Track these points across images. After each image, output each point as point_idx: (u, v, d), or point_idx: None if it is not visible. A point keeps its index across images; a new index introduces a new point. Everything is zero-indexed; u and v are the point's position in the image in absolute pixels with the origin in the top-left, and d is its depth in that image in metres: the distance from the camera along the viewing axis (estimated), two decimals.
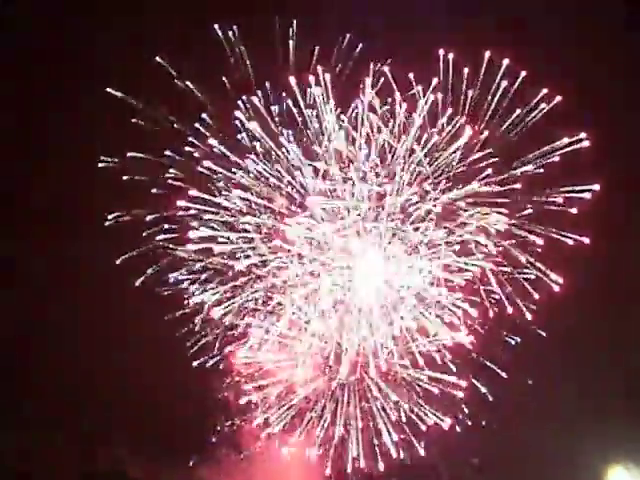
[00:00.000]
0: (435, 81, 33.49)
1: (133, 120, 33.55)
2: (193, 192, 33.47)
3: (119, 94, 33.53)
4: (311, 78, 33.21)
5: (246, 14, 34.01)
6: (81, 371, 34.07)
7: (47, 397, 34.26)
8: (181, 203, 33.39)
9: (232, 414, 35.20)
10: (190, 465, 35.24)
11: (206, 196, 33.92)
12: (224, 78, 33.90)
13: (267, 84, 34.05)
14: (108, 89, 33.57)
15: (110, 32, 34.91)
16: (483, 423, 34.81)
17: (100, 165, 33.92)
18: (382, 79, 33.63)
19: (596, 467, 34.77)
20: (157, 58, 33.65)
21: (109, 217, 33.91)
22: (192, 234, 33.53)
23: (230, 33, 34.10)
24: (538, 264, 34.00)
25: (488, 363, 34.76)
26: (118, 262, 33.71)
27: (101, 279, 34.37)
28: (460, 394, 34.49)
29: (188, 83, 33.87)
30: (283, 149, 34.09)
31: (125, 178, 33.65)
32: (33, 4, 35.33)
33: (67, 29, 35.06)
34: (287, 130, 34.13)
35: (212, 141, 33.70)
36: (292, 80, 33.35)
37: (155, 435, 34.12)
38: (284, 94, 33.95)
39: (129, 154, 33.71)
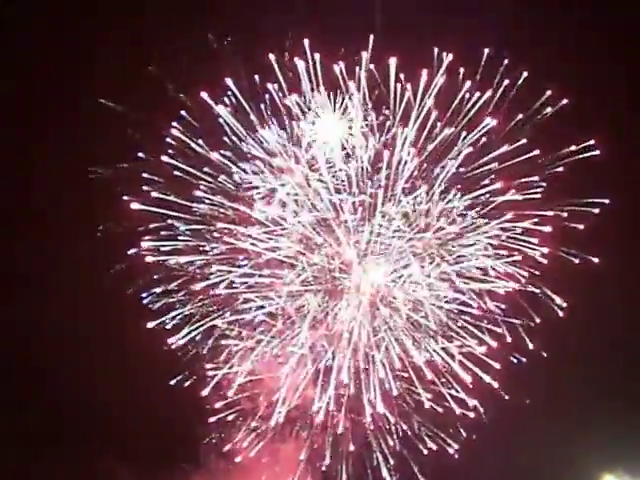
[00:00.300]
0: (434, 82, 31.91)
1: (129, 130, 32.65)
2: (155, 194, 32.50)
3: (112, 104, 32.86)
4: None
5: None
6: (72, 383, 34.19)
7: (37, 411, 34.65)
8: (135, 206, 32.16)
9: (223, 423, 34.49)
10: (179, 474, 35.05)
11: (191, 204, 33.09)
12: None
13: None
14: (101, 100, 32.90)
15: (101, 36, 34.41)
16: (474, 437, 33.74)
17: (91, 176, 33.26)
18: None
19: (589, 476, 34.68)
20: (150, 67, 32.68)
21: (100, 228, 33.25)
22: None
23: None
24: (540, 284, 32.48)
25: (489, 380, 32.84)
26: (111, 271, 33.10)
27: (94, 288, 34.17)
28: (471, 414, 33.21)
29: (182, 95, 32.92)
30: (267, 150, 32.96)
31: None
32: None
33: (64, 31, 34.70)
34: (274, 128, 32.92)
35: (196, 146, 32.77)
36: (271, 57, 31.96)
37: (146, 445, 34.10)
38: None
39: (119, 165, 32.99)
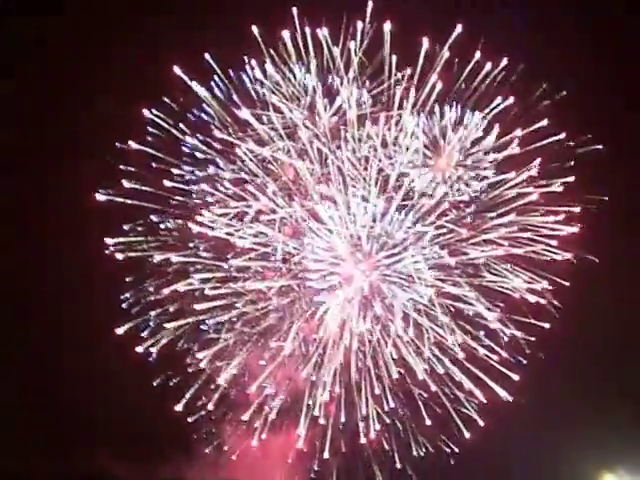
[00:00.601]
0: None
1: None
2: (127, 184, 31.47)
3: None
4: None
5: None
6: (65, 376, 33.97)
7: (35, 409, 34.42)
8: (100, 197, 31.19)
9: (214, 417, 34.11)
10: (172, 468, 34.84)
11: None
12: None
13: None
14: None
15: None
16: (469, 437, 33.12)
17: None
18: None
19: (588, 474, 34.42)
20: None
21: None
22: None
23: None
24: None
25: (489, 381, 32.39)
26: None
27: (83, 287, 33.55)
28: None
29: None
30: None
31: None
32: None
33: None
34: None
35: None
36: (255, 30, 30.97)
37: (139, 438, 33.82)
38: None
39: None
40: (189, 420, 33.02)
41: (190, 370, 32.66)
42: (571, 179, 31.77)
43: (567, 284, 31.56)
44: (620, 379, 33.17)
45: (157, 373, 32.89)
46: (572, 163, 31.77)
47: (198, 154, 32.18)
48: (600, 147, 30.15)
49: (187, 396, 32.53)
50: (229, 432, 34.04)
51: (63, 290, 33.41)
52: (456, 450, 33.34)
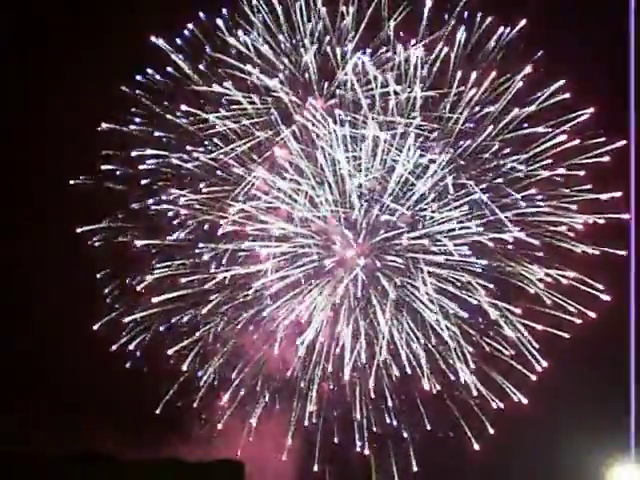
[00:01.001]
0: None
1: None
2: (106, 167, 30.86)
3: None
4: None
5: None
6: (64, 360, 33.60)
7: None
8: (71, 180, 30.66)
9: (207, 394, 33.63)
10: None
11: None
12: None
13: None
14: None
15: None
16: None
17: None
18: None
19: (597, 466, 33.36)
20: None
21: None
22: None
23: None
24: None
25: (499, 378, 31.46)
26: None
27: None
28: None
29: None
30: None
31: None
32: None
33: None
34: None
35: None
36: None
37: (132, 414, 33.49)
38: None
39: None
40: (178, 405, 32.69)
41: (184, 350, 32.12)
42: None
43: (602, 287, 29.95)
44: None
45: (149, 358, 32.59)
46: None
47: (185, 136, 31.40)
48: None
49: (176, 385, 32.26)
50: (222, 414, 33.30)
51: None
52: (451, 434, 32.03)
